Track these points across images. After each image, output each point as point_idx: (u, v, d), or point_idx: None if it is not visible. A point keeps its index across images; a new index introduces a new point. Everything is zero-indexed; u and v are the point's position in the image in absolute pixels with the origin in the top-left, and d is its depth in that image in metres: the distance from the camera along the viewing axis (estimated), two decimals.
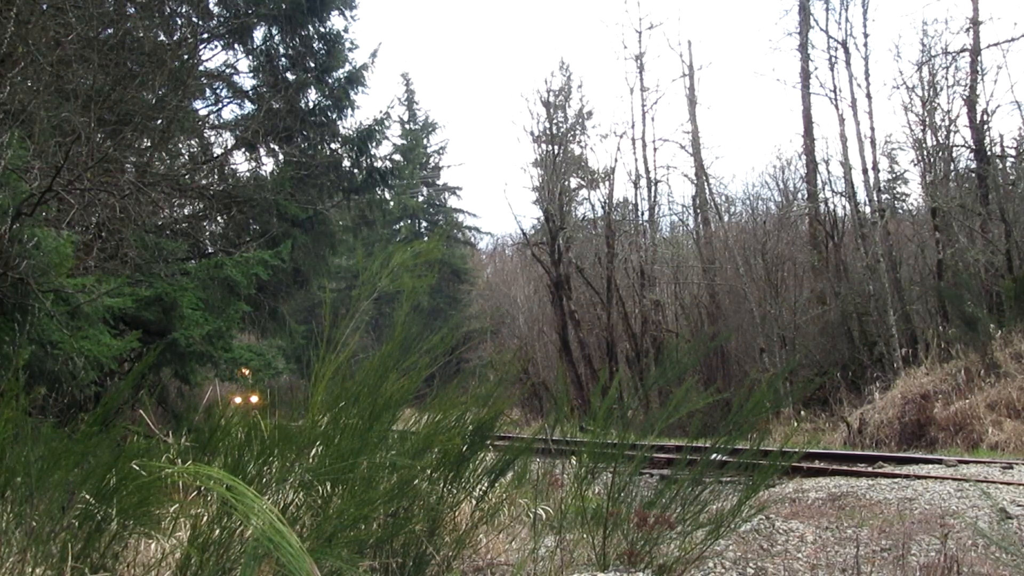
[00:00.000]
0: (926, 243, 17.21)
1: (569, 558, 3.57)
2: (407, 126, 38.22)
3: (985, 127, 15.87)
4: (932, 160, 16.85)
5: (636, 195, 22.18)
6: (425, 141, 38.78)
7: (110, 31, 7.86)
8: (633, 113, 32.64)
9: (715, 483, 3.72)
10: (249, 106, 12.36)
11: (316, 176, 11.76)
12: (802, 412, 15.00)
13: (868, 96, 17.26)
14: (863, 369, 15.84)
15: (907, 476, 7.28)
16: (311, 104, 12.51)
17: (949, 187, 16.59)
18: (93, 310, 5.82)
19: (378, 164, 13.73)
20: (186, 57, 9.89)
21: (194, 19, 10.89)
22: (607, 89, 67.50)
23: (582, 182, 25.12)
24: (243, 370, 8.35)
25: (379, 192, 14.72)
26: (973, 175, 16.25)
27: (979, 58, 16.01)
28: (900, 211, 24.83)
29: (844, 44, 17.65)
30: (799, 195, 20.68)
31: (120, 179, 7.06)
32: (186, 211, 10.87)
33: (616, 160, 28.79)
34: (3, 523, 2.43)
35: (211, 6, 11.15)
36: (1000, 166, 16.58)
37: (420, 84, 76.18)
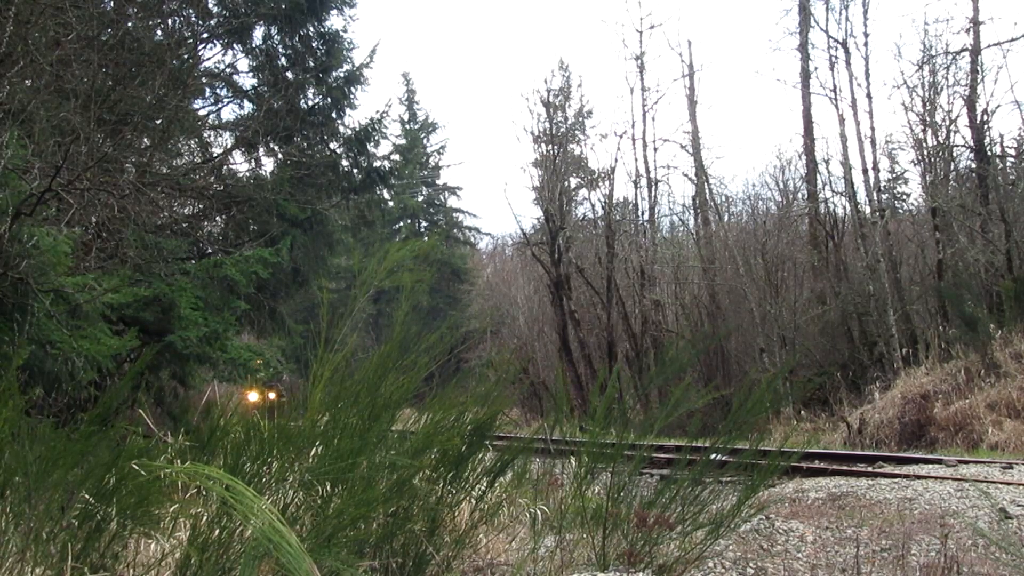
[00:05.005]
0: (926, 243, 17.20)
1: (569, 558, 3.57)
2: (407, 126, 38.24)
3: (985, 127, 15.87)
4: (932, 160, 16.84)
5: (636, 195, 22.23)
6: (425, 141, 38.81)
7: (110, 31, 7.85)
8: (633, 113, 32.66)
9: (715, 483, 3.72)
10: (249, 106, 12.36)
11: (315, 176, 11.76)
12: (802, 412, 15.00)
13: (868, 96, 17.28)
14: (863, 369, 15.84)
15: (907, 476, 7.27)
16: (310, 104, 12.51)
17: (949, 187, 16.59)
18: (92, 308, 5.81)
19: (377, 164, 13.74)
20: (186, 57, 9.89)
21: (193, 19, 10.88)
22: (607, 89, 67.57)
23: (582, 182, 25.13)
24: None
25: (378, 192, 14.74)
26: (973, 175, 16.24)
27: (979, 58, 16.02)
28: (900, 211, 24.83)
29: (844, 44, 17.66)
30: (799, 195, 20.67)
31: (120, 179, 7.05)
32: (186, 211, 10.86)
33: (616, 160, 28.83)
34: (2, 523, 2.43)
35: (210, 6, 11.14)
36: (1000, 166, 16.58)
37: (420, 84, 76.33)
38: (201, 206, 10.99)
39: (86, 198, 6.29)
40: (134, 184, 7.07)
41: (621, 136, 22.07)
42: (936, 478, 7.08)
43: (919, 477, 7.18)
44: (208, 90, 12.00)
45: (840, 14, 18.98)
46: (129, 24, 8.25)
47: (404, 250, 3.63)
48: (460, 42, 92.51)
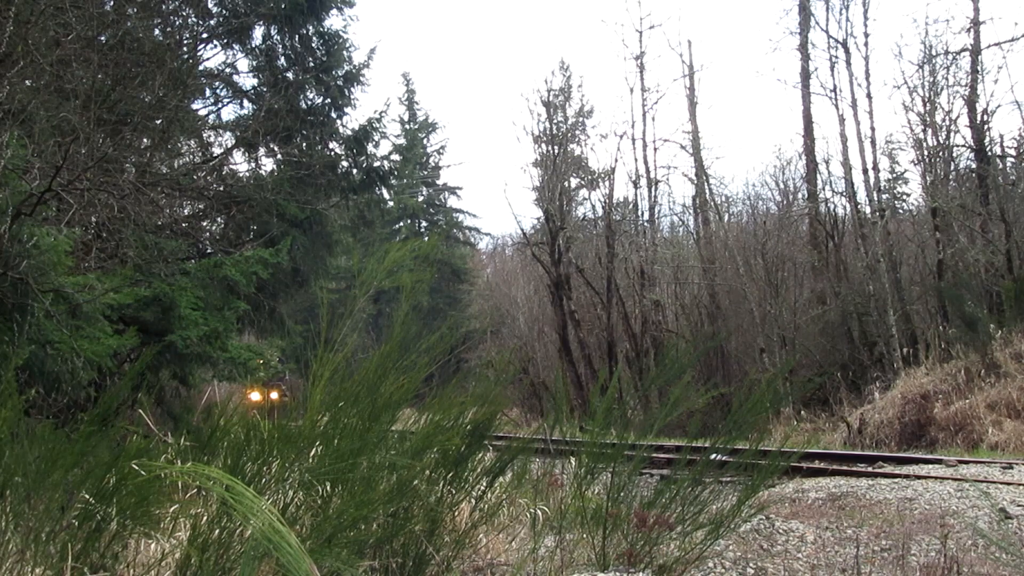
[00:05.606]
0: (926, 243, 17.20)
1: (569, 558, 3.57)
2: (407, 126, 38.24)
3: (985, 127, 15.87)
4: (932, 160, 16.85)
5: (636, 195, 22.21)
6: (425, 141, 38.81)
7: (110, 31, 7.85)
8: (633, 113, 32.64)
9: (715, 483, 3.72)
10: (249, 106, 12.36)
11: (315, 176, 11.75)
12: (802, 412, 15.00)
13: (868, 96, 17.28)
14: (863, 369, 15.84)
15: (907, 476, 7.27)
16: (310, 104, 12.51)
17: (949, 187, 16.59)
18: (92, 308, 5.81)
19: (377, 164, 13.72)
20: (186, 57, 9.89)
21: (192, 19, 10.88)
22: (607, 89, 67.58)
23: (582, 182, 25.13)
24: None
25: (378, 192, 14.72)
26: (973, 175, 16.24)
27: (979, 58, 16.03)
28: (900, 211, 24.82)
29: (844, 44, 17.66)
30: (799, 195, 20.68)
31: (120, 179, 7.05)
32: (186, 211, 10.86)
33: (616, 160, 28.73)
34: (2, 523, 2.43)
35: (210, 6, 11.14)
36: (1000, 166, 16.58)
37: (420, 84, 76.32)
38: (201, 206, 10.98)
39: (86, 198, 6.29)
40: (134, 184, 7.07)
41: (621, 136, 22.11)
42: (936, 478, 7.07)
43: (919, 477, 7.18)
44: (208, 90, 12.00)
45: (840, 14, 18.98)
46: (129, 24, 8.24)
47: (404, 250, 3.63)
48: (460, 42, 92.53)
